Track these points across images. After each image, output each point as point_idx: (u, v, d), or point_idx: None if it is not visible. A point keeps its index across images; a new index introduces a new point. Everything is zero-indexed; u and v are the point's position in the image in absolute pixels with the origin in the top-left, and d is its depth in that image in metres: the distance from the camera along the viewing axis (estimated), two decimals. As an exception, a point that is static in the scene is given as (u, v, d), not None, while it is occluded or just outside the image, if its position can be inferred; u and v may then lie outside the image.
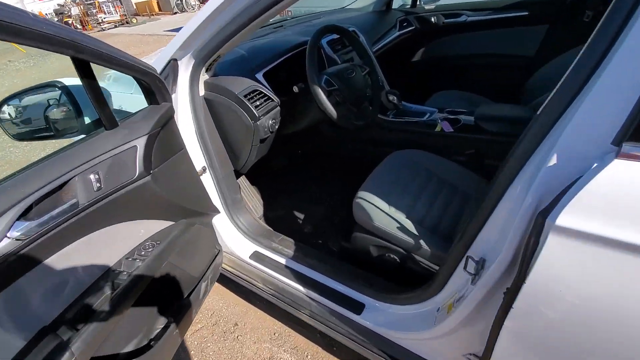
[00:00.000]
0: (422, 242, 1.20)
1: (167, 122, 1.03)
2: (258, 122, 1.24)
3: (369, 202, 1.31)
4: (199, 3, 13.59)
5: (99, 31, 12.18)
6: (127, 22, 13.08)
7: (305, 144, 2.10)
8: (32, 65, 7.45)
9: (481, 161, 1.51)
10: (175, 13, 13.93)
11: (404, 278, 1.26)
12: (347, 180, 2.03)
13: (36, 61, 7.83)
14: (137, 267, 0.92)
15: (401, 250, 1.26)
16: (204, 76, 1.23)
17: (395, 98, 1.68)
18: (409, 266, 1.25)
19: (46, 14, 12.08)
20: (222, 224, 1.52)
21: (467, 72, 2.30)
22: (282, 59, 1.38)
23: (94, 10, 12.99)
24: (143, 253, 0.97)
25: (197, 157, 1.36)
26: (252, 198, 1.86)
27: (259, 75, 1.30)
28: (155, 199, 0.98)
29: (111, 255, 0.90)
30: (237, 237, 1.53)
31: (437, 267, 1.21)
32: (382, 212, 1.28)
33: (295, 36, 1.62)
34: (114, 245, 0.91)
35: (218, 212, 1.32)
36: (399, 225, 1.24)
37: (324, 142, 2.01)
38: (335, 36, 1.70)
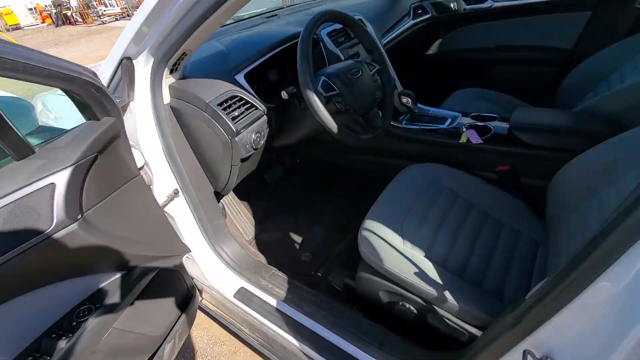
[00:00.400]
0: (446, 292, 0.94)
1: (108, 144, 0.77)
2: (237, 138, 0.97)
3: (378, 235, 1.05)
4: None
5: (99, 24, 11.94)
6: (128, 15, 12.80)
7: (304, 152, 1.83)
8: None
9: (517, 180, 1.23)
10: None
11: (424, 336, 1.00)
12: (353, 195, 1.76)
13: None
14: (61, 349, 0.67)
15: (419, 300, 0.99)
16: (168, 79, 0.97)
17: (409, 100, 1.40)
18: (430, 322, 0.98)
19: (45, 6, 11.83)
20: (202, 255, 1.27)
21: (492, 68, 1.99)
22: (269, 55, 1.10)
23: (94, 3, 12.74)
24: (74, 324, 0.72)
25: (167, 178, 1.10)
26: (240, 218, 1.60)
27: (240, 77, 1.03)
28: (91, 251, 0.72)
29: (20, 337, 0.65)
30: (220, 270, 1.27)
31: (467, 327, 0.94)
32: (393, 250, 1.01)
33: (289, 27, 1.34)
34: (25, 322, 0.66)
35: (188, 251, 1.06)
36: (416, 270, 0.98)
37: (326, 150, 1.74)
38: (337, 26, 1.41)
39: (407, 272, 0.97)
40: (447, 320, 0.96)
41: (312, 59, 1.22)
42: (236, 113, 0.97)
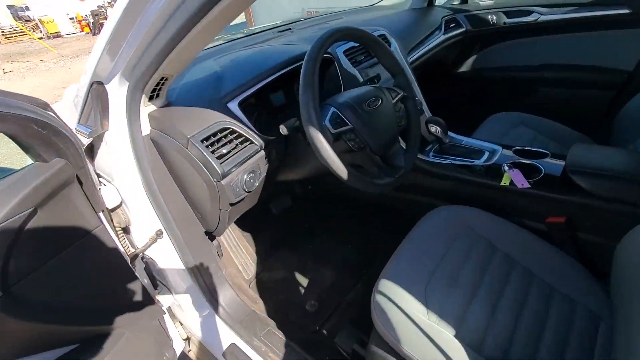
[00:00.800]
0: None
1: (55, 193, 0.61)
2: (224, 182, 0.80)
3: (395, 303, 0.84)
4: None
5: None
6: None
7: (316, 181, 1.64)
8: (62, 66, 7.52)
9: (573, 235, 0.99)
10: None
11: None
12: (370, 233, 1.55)
13: (66, 62, 7.92)
14: None
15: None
16: (148, 106, 0.81)
17: (438, 129, 1.18)
18: None
19: (84, 15, 12.41)
20: (191, 304, 1.10)
21: (534, 89, 1.74)
22: (270, 78, 0.92)
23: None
24: None
25: (148, 218, 0.95)
26: (240, 253, 1.43)
27: (233, 105, 0.86)
28: (15, 335, 0.56)
29: None
30: (209, 322, 1.10)
31: None
32: (414, 327, 0.80)
33: (300, 44, 1.16)
34: None
35: (162, 314, 0.89)
36: (443, 356, 0.76)
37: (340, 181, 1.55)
38: (355, 43, 1.23)
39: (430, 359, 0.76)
40: None
41: (325, 80, 1.04)
42: (225, 150, 0.80)
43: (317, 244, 1.52)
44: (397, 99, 0.91)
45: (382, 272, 0.93)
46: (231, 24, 0.68)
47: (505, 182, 1.03)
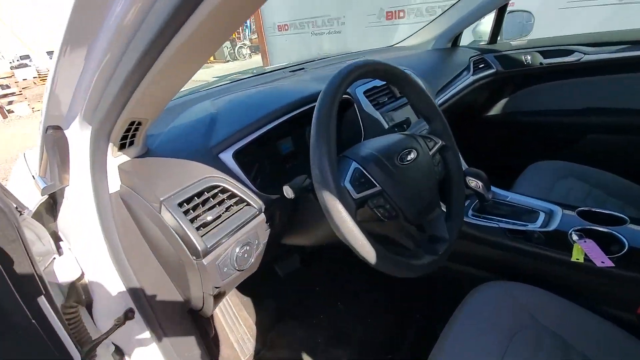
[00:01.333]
0: None
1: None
2: (206, 260, 0.59)
3: None
4: (249, 52, 14.12)
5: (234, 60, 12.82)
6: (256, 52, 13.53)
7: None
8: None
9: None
10: (228, 61, 14.64)
11: None
12: (398, 304, 1.28)
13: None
14: None
15: None
16: (117, 156, 0.63)
17: (479, 184, 0.97)
18: None
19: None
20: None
21: (580, 137, 1.53)
22: (275, 122, 0.75)
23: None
24: None
25: (114, 295, 0.74)
26: (237, 327, 1.18)
27: (226, 156, 0.67)
28: None
29: None
30: None
31: None
32: None
33: (313, 83, 1.01)
34: None
35: None
36: None
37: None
38: (378, 82, 1.07)
39: None
40: None
41: (341, 129, 0.86)
42: (210, 217, 0.60)
43: (330, 315, 1.26)
44: (435, 149, 0.71)
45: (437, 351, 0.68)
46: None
47: (577, 256, 0.79)
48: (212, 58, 15.73)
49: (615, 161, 1.46)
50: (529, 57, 1.54)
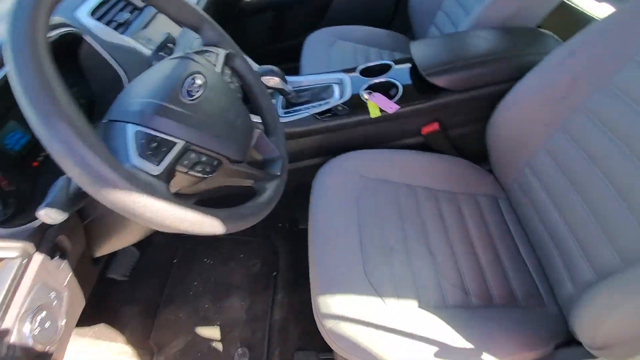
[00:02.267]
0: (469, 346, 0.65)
1: None
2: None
3: (350, 318, 0.68)
4: None
5: None
6: None
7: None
8: None
9: (447, 135, 0.98)
10: None
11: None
12: (259, 229, 1.25)
13: None
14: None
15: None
16: None
17: (276, 80, 0.93)
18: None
19: None
20: None
21: (328, 2, 1.63)
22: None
23: None
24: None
25: None
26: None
27: None
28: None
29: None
30: None
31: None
32: (383, 332, 0.66)
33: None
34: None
35: None
36: (425, 341, 0.65)
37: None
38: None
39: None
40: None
41: (82, 84, 0.62)
42: None
43: (202, 274, 1.16)
44: (221, 63, 0.58)
45: (313, 288, 0.72)
46: None
47: (375, 112, 0.90)
48: None
49: (358, 13, 1.66)
50: None
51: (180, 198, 0.40)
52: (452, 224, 0.84)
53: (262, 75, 0.91)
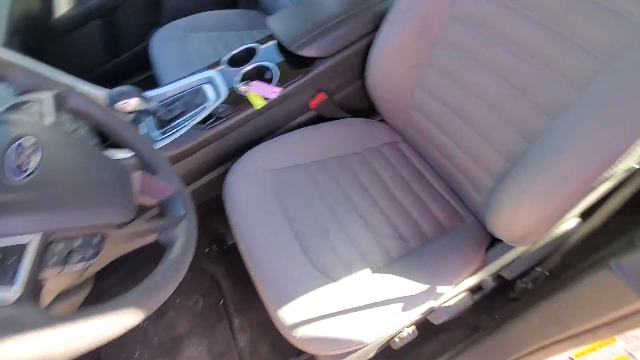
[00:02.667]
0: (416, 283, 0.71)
1: None
2: None
3: (310, 319, 0.67)
4: None
5: None
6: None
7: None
8: None
9: (333, 100, 0.98)
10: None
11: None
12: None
13: None
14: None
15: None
16: None
17: (137, 100, 0.79)
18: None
19: None
20: None
21: None
22: None
23: None
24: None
25: None
26: None
27: None
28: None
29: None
30: None
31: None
32: (351, 320, 0.67)
33: None
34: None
35: None
36: (378, 306, 0.68)
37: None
38: None
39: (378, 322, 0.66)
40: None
41: None
42: None
43: (139, 341, 1.00)
44: (52, 110, 0.45)
45: (268, 305, 0.69)
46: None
47: (259, 103, 0.84)
48: None
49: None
50: None
51: (66, 301, 0.31)
52: (369, 181, 0.87)
53: (114, 103, 0.76)
